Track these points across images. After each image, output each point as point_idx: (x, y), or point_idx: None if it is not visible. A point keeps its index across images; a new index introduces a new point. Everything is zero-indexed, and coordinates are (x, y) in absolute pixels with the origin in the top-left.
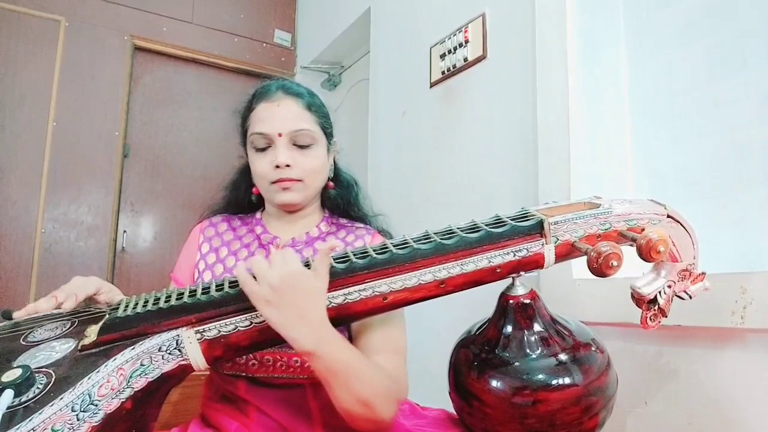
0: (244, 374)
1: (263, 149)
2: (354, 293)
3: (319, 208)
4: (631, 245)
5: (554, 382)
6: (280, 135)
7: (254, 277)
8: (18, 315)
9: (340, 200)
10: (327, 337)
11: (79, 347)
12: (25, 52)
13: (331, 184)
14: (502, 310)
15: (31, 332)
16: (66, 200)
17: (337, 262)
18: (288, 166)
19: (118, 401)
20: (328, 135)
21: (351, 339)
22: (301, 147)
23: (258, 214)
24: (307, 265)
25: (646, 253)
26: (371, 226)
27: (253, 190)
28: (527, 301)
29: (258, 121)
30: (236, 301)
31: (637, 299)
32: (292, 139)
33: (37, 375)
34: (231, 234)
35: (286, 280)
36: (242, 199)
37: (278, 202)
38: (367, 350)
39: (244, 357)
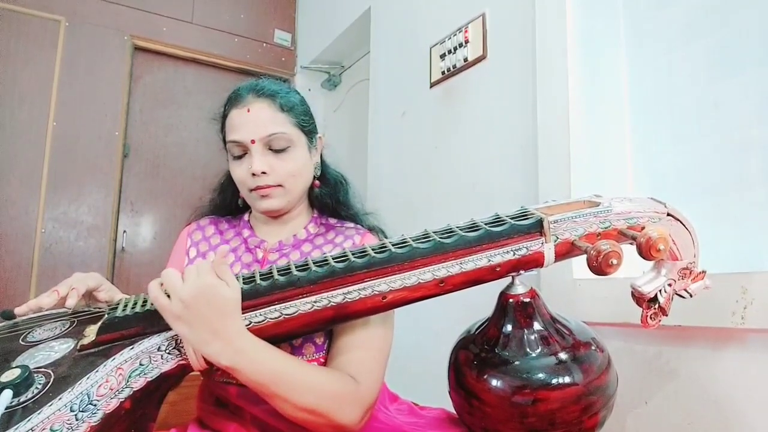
0: (234, 381)
1: (240, 156)
2: (353, 292)
3: (307, 208)
4: (631, 244)
5: (554, 381)
6: (253, 142)
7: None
8: (20, 310)
9: (329, 199)
10: (246, 350)
11: (78, 347)
12: (25, 52)
13: (317, 183)
14: (501, 309)
15: (30, 332)
16: (66, 200)
17: (336, 262)
18: (264, 173)
19: (117, 401)
20: (308, 133)
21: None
22: (277, 151)
23: (246, 216)
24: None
25: (646, 251)
26: (362, 224)
27: (240, 194)
28: (527, 299)
29: (231, 128)
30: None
31: (638, 298)
32: (267, 143)
33: (35, 375)
34: (218, 237)
35: (198, 293)
36: (229, 204)
37: (259, 209)
38: (338, 349)
39: None
